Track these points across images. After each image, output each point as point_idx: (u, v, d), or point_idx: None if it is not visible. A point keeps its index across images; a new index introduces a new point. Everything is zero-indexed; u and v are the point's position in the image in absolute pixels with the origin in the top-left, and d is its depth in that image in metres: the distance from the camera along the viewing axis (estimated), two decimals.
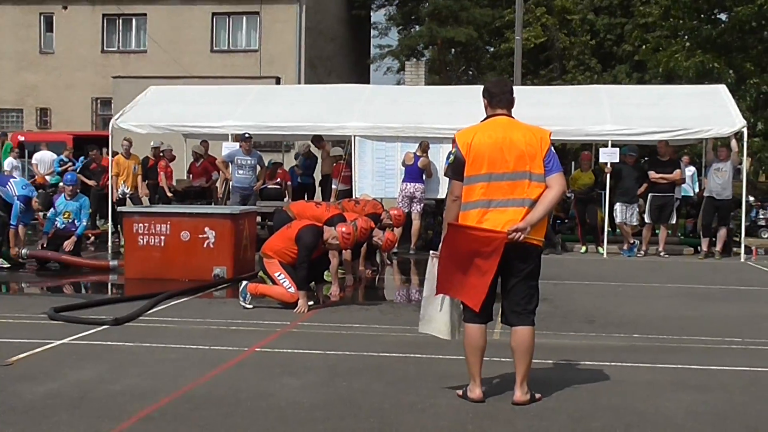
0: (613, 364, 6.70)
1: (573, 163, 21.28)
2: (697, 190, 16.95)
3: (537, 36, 32.01)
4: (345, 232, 9.38)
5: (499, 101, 5.65)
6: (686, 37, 24.45)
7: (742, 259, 15.04)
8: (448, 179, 5.75)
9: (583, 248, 16.29)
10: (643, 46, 25.29)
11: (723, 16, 25.88)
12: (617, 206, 15.77)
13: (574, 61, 32.10)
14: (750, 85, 21.71)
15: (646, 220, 15.84)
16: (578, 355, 6.99)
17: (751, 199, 19.78)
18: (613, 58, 32.50)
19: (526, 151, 5.43)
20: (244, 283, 9.43)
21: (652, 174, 15.73)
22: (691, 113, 15.90)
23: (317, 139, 17.56)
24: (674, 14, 24.26)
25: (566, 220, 18.07)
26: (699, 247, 15.86)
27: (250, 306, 9.13)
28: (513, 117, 5.67)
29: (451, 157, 5.58)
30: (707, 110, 16.02)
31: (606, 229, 16.02)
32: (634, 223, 15.92)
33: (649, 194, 15.70)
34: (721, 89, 17.13)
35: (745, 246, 15.47)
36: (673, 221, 16.28)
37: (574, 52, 31.74)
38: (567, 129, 15.68)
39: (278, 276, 9.14)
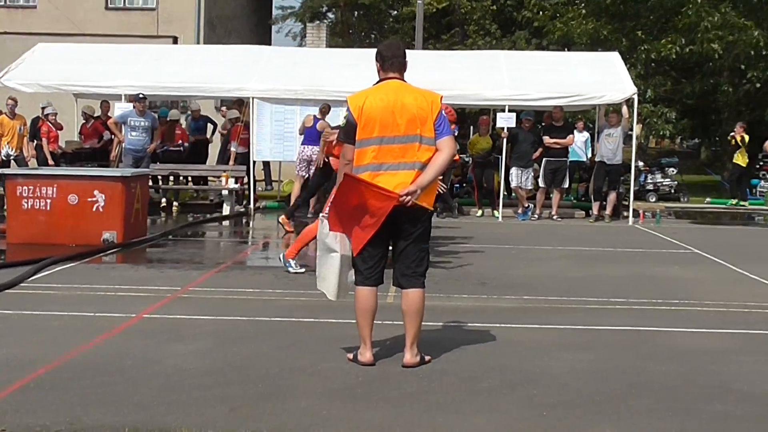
0: (502, 325, 6.80)
1: (471, 127, 21.44)
2: (589, 155, 17.32)
3: (439, 1, 32.02)
4: None
5: (391, 65, 5.62)
6: (582, 4, 24.81)
7: (630, 222, 15.47)
8: None
9: (480, 212, 16.50)
10: (541, 13, 25.58)
11: None
12: (513, 170, 15.99)
13: (475, 26, 32.24)
14: (641, 53, 22.19)
15: (540, 184, 16.11)
16: (469, 316, 7.07)
17: (641, 164, 20.29)
18: (513, 24, 32.74)
19: (417, 114, 5.42)
20: (281, 255, 9.31)
21: (546, 139, 15.99)
22: (585, 80, 16.22)
23: (239, 103, 17.14)
24: None
25: (464, 184, 18.25)
26: (590, 211, 16.24)
27: (303, 270, 9.00)
28: (405, 80, 5.65)
29: (343, 120, 5.55)
30: (601, 77, 16.37)
31: (502, 193, 16.25)
32: (529, 187, 16.20)
33: (543, 159, 15.96)
34: (614, 57, 17.49)
35: (634, 209, 15.91)
36: (566, 185, 16.59)
37: (475, 17, 31.85)
38: (466, 93, 15.83)
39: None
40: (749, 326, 7.01)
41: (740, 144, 19.66)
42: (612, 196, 15.88)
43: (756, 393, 5.13)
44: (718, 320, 7.25)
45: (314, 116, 15.09)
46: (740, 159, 19.82)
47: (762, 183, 21.58)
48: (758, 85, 22.42)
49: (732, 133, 20.21)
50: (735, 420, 4.66)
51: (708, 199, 20.73)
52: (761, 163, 22.15)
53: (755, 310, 7.72)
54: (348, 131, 5.53)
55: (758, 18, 21.83)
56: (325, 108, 15.08)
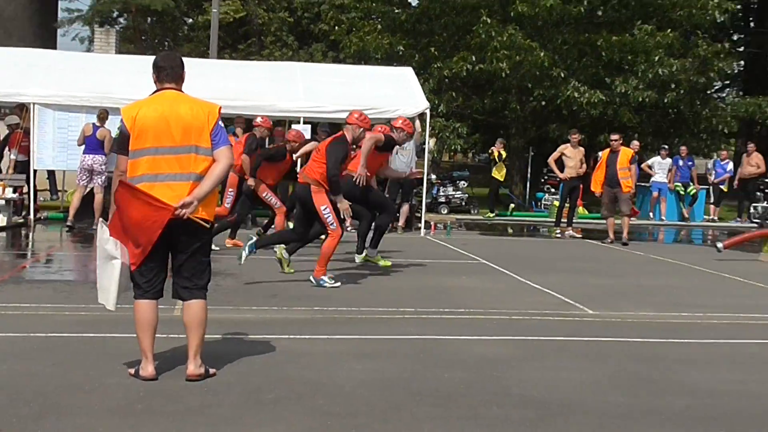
0: (291, 336, 6.74)
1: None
2: None
3: (236, 10, 31.79)
4: None
5: (166, 75, 5.54)
6: (378, 20, 25.26)
7: (422, 234, 15.81)
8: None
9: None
10: (338, 27, 25.83)
11: (414, 2, 27.03)
12: None
13: (272, 37, 32.20)
14: (434, 69, 22.80)
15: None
16: (258, 329, 6.96)
17: (433, 177, 20.84)
18: (310, 36, 32.96)
19: (192, 124, 5.35)
20: (312, 279, 9.42)
21: None
22: (380, 93, 16.46)
23: (20, 108, 16.17)
24: None
25: None
26: None
27: (338, 284, 9.36)
28: (182, 91, 5.56)
29: (117, 131, 5.39)
30: (395, 91, 16.67)
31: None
32: None
33: None
34: (408, 72, 17.87)
35: (426, 221, 16.28)
36: None
37: (272, 28, 31.82)
38: (261, 104, 15.71)
39: (324, 210, 9.24)
40: (530, 333, 7.27)
41: (497, 159, 20.73)
42: (405, 208, 16.18)
43: (534, 397, 5.30)
44: (502, 328, 7.47)
45: (93, 124, 14.58)
46: (497, 173, 20.87)
47: (546, 196, 22.65)
48: (543, 102, 23.51)
49: (492, 148, 21.24)
50: (512, 423, 4.78)
51: (495, 212, 21.51)
52: (545, 177, 23.29)
53: (536, 317, 8.02)
54: (121, 142, 5.45)
55: (543, 40, 22.91)
56: (103, 114, 14.58)
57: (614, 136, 16.08)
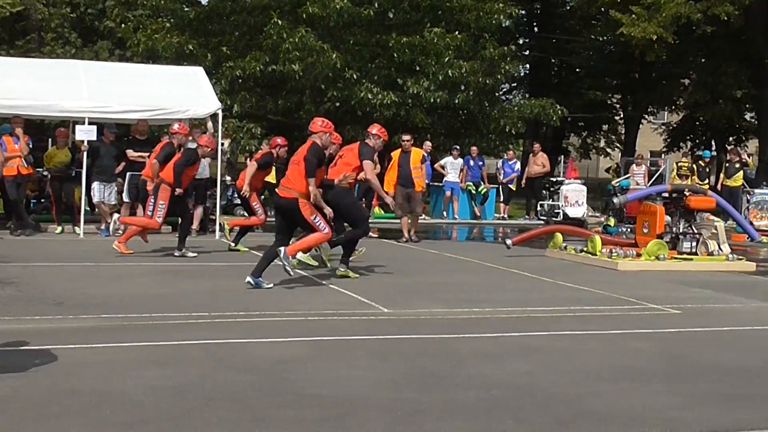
0: (77, 346, 6.42)
1: (50, 140, 20.36)
2: None
3: (13, 4, 30.13)
4: None
5: None
6: (167, 18, 24.66)
7: (218, 237, 15.52)
8: None
9: (59, 228, 15.63)
10: (124, 24, 25.02)
11: (204, 0, 26.57)
12: (95, 185, 15.40)
13: (53, 33, 30.77)
14: (226, 69, 22.51)
15: (125, 198, 15.64)
16: (41, 339, 6.58)
17: (228, 178, 20.59)
18: (95, 34, 31.77)
19: None
20: (282, 250, 9.58)
21: (130, 153, 15.58)
22: (170, 93, 16.04)
23: None
24: None
25: (42, 200, 17.24)
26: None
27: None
28: None
29: None
30: (186, 91, 16.29)
31: (84, 208, 15.57)
32: (113, 202, 15.68)
33: (128, 173, 15.52)
34: (199, 71, 17.52)
35: (220, 224, 16.00)
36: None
37: (52, 24, 30.40)
38: (42, 104, 15.03)
39: (314, 219, 9.77)
40: (325, 333, 7.25)
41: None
42: (198, 211, 15.85)
43: (328, 396, 5.27)
44: (297, 329, 7.41)
45: None
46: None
47: None
48: (338, 104, 23.68)
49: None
50: (306, 424, 4.74)
51: None
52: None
53: (331, 317, 8.01)
54: None
55: (335, 41, 23.09)
56: None
57: (406, 137, 16.39)
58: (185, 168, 12.45)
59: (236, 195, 20.98)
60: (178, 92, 16.12)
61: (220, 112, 15.96)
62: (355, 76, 22.53)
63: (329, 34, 23.20)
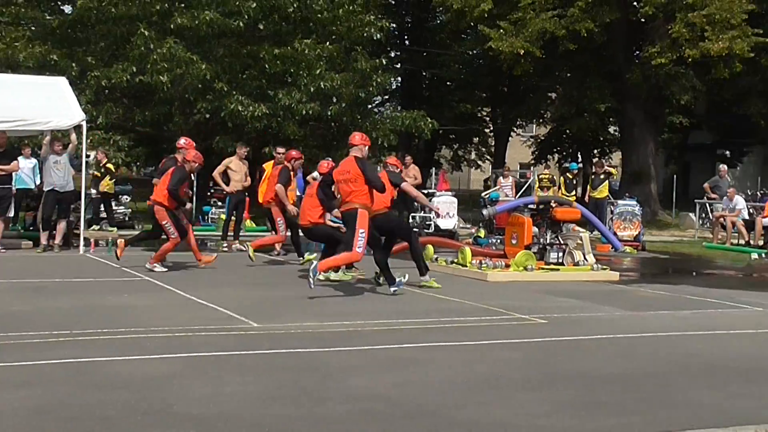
0: None
1: None
2: (38, 182, 16.57)
3: None
4: None
5: None
6: (29, 26, 23.85)
7: (82, 252, 15.06)
8: None
9: None
10: None
11: (67, 9, 25.81)
12: None
13: None
14: (91, 79, 21.90)
15: None
16: None
17: (93, 192, 20.05)
18: None
19: None
20: (314, 264, 10.10)
21: None
22: (31, 104, 15.49)
23: None
24: (17, 2, 23.52)
25: None
26: (38, 241, 15.50)
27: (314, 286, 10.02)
28: None
29: None
30: (48, 102, 15.76)
31: None
32: None
33: None
34: (62, 82, 16.99)
35: (85, 238, 15.54)
36: (11, 214, 15.68)
37: None
38: None
39: (361, 232, 10.31)
40: (193, 349, 7.09)
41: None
42: (62, 225, 15.36)
43: (196, 414, 5.17)
44: (165, 345, 7.22)
45: None
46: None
47: (213, 210, 22.48)
48: (208, 115, 23.33)
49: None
50: None
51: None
52: (212, 191, 23.06)
53: (200, 333, 7.85)
54: None
55: (205, 52, 22.77)
56: None
57: (280, 149, 16.30)
58: (179, 187, 12.74)
59: (101, 208, 20.52)
60: (39, 102, 15.57)
61: (84, 124, 15.51)
62: (225, 88, 22.26)
63: (198, 45, 22.87)
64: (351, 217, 10.49)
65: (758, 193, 29.22)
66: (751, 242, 20.05)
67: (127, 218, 21.02)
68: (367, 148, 11.03)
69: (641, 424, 5.26)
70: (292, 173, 14.50)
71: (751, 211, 21.72)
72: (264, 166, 16.61)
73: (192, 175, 13.67)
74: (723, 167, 24.21)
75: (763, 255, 18.63)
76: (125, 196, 21.69)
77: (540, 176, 26.57)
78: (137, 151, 26.28)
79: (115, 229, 19.76)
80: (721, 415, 5.51)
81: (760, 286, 14.01)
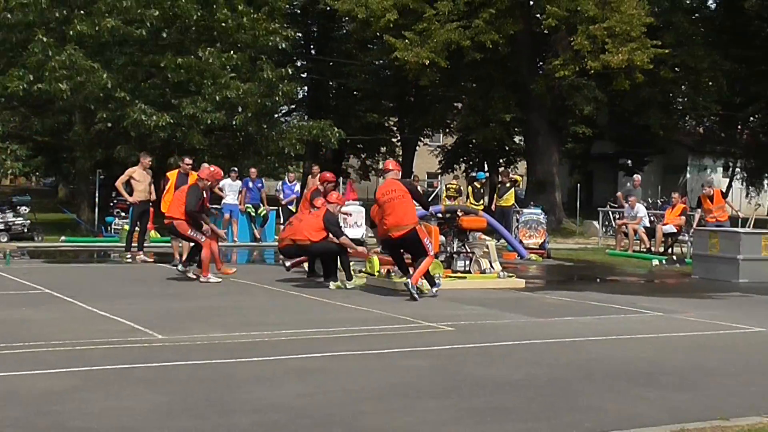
0: None
1: None
2: None
3: None
4: None
5: None
6: None
7: None
8: None
9: None
10: None
11: None
12: None
13: None
14: None
15: None
16: None
17: None
18: None
19: None
20: (408, 282, 11.41)
21: None
22: None
23: None
24: None
25: None
26: None
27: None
28: None
29: None
30: None
31: None
32: None
33: None
34: None
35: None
36: None
37: None
38: None
39: (426, 240, 11.74)
40: (95, 363, 6.89)
41: None
42: None
43: (95, 428, 5.03)
44: (64, 359, 7.00)
45: None
46: None
47: (116, 220, 22.00)
48: (110, 124, 22.81)
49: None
50: None
51: (63, 237, 20.53)
52: (115, 201, 22.58)
53: (102, 346, 7.64)
54: None
55: (106, 60, 22.28)
56: None
57: (188, 160, 16.09)
58: (196, 205, 13.16)
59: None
60: None
61: None
62: (127, 97, 21.80)
63: (99, 53, 22.35)
64: (411, 237, 11.69)
65: (658, 201, 30.00)
66: (652, 249, 20.55)
67: (26, 230, 20.39)
68: (399, 172, 12.51)
69: (546, 430, 5.31)
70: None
71: (651, 218, 22.27)
72: (168, 175, 16.32)
73: (205, 192, 13.71)
74: (637, 177, 24.59)
75: (664, 261, 19.12)
76: (24, 207, 21.03)
77: (447, 186, 26.78)
78: (36, 161, 25.52)
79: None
80: (623, 418, 5.60)
81: (660, 291, 14.36)
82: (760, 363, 7.88)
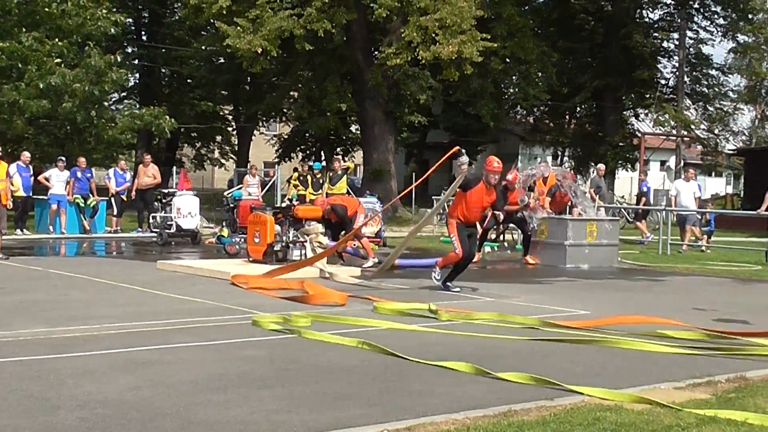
0: None
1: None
2: None
3: None
4: None
5: None
6: None
7: None
8: None
9: None
10: None
11: None
12: None
13: None
14: None
15: None
16: None
17: None
18: None
19: None
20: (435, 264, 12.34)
21: None
22: None
23: None
24: None
25: None
26: None
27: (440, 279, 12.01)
28: None
29: None
30: None
31: None
32: None
33: None
34: None
35: None
36: None
37: None
38: None
39: (452, 237, 11.98)
40: None
41: None
42: None
43: None
44: None
45: None
46: None
47: None
48: None
49: None
50: None
51: None
52: None
53: None
54: None
55: None
56: None
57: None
58: None
59: None
60: None
61: None
62: None
63: None
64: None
65: None
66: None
67: None
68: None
69: (380, 414, 5.37)
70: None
71: None
72: None
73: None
74: (601, 166, 24.24)
75: (496, 248, 19.67)
76: None
77: (291, 178, 26.57)
78: None
79: None
80: (453, 401, 5.73)
81: (491, 276, 14.77)
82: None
